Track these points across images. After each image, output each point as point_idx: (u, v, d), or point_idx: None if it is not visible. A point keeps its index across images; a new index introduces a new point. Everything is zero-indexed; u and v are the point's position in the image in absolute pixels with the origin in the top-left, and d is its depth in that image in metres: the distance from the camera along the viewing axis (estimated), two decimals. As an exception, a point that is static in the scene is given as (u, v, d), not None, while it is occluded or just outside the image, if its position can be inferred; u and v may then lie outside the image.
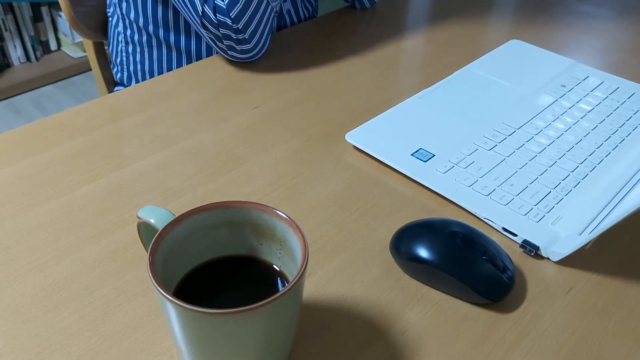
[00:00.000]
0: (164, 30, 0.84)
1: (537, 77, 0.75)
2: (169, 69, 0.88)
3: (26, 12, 2.18)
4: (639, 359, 0.43)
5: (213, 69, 0.76)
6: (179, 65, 0.87)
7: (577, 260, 0.51)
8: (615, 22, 0.92)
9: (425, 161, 0.59)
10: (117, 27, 0.91)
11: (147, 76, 0.91)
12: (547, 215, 0.54)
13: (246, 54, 0.74)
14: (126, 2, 0.85)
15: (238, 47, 0.73)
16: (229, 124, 0.66)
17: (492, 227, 0.54)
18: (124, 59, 0.92)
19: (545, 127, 0.65)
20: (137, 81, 0.93)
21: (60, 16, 2.26)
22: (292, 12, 0.90)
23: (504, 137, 0.63)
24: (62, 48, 2.35)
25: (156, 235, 0.38)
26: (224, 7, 0.69)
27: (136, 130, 0.64)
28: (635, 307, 0.47)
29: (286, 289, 0.34)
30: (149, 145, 0.62)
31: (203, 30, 0.73)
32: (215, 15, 0.70)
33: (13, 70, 2.22)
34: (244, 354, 0.36)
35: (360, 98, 0.71)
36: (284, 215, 0.40)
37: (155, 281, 0.34)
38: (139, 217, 0.41)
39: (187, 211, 0.40)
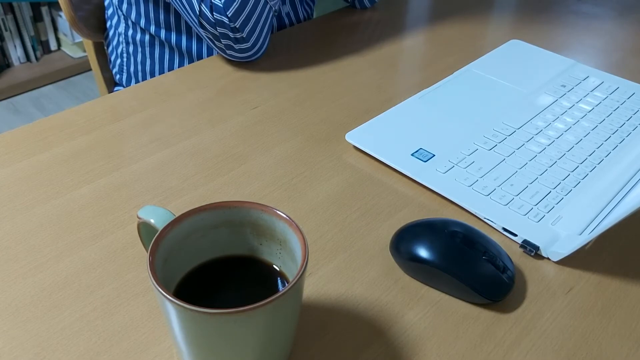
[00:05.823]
0: (166, 31, 0.84)
1: (537, 77, 0.75)
2: (171, 69, 0.88)
3: (26, 12, 2.18)
4: (639, 359, 0.43)
5: (213, 69, 0.76)
6: (181, 66, 0.87)
7: (577, 260, 0.51)
8: (615, 22, 0.92)
9: (425, 161, 0.59)
10: (117, 28, 0.91)
11: (148, 77, 0.90)
12: (547, 215, 0.54)
13: (245, 52, 0.74)
14: (127, 3, 0.85)
15: (236, 46, 0.73)
16: (229, 124, 0.66)
17: (492, 227, 0.54)
18: (124, 60, 0.92)
19: (545, 127, 0.65)
20: (137, 82, 0.92)
21: (60, 16, 2.27)
22: (292, 15, 0.90)
23: (504, 137, 0.63)
24: (62, 48, 2.35)
25: (156, 235, 0.38)
26: (221, 5, 0.69)
27: (136, 130, 0.64)
28: (635, 307, 0.47)
29: (286, 289, 0.34)
30: (149, 145, 0.62)
31: (201, 30, 0.73)
32: (212, 14, 0.70)
33: (13, 70, 2.22)
34: (243, 354, 0.36)
35: (360, 98, 0.71)
36: (284, 215, 0.40)
37: (155, 281, 0.34)
38: (139, 217, 0.41)
39: (187, 211, 0.40)
